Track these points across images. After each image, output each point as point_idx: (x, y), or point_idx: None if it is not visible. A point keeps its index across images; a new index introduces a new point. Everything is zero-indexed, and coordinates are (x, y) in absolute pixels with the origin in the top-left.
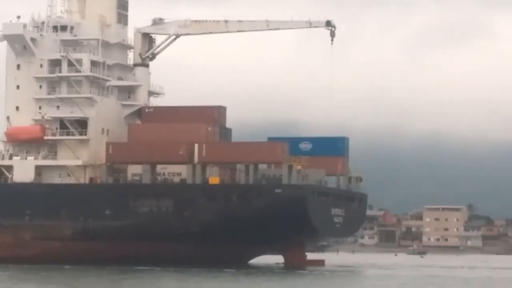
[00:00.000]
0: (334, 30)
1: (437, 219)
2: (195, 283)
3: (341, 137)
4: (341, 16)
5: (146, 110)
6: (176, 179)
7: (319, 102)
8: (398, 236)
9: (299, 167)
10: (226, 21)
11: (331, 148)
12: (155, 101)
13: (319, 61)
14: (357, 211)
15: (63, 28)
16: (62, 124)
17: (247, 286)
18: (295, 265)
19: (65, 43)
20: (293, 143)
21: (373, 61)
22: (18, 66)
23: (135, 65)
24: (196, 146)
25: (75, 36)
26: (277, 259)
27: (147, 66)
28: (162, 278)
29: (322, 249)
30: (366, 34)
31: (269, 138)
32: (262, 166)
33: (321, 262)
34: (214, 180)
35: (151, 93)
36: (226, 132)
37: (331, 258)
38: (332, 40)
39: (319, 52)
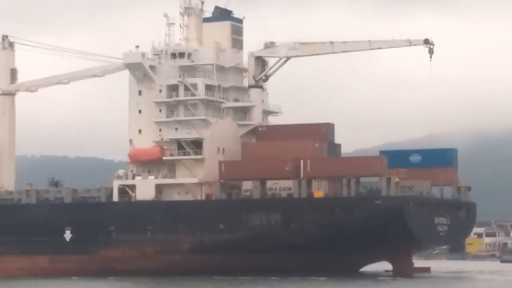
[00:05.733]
0: (433, 47)
1: None
2: None
3: (449, 148)
4: None
5: (260, 129)
6: (285, 194)
7: None
8: None
9: (397, 179)
10: (331, 42)
11: (440, 159)
12: (273, 120)
13: None
14: (464, 219)
15: (181, 55)
16: (180, 145)
17: None
18: (403, 272)
19: (182, 69)
20: (404, 155)
21: None
22: (140, 92)
23: (250, 86)
24: (301, 162)
25: (193, 62)
26: (388, 266)
27: (261, 87)
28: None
29: None
30: None
31: (380, 151)
32: (365, 179)
33: (426, 269)
34: (318, 193)
35: (268, 112)
36: (335, 148)
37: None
38: (430, 57)
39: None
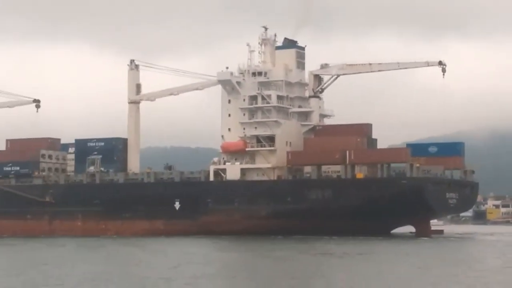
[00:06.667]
0: (445, 67)
1: None
2: (351, 245)
3: (458, 142)
4: None
5: (317, 128)
6: (335, 175)
7: None
8: None
9: (417, 164)
10: (370, 64)
11: (451, 150)
12: (328, 121)
13: None
14: (469, 195)
15: (259, 73)
16: (258, 140)
17: (388, 246)
18: (422, 233)
19: (260, 84)
20: (425, 147)
21: None
22: (229, 101)
23: (310, 97)
24: (347, 152)
25: (267, 78)
26: (411, 229)
27: (318, 97)
28: (330, 244)
29: None
30: None
31: (407, 144)
32: (394, 165)
33: (441, 232)
34: (359, 175)
35: (323, 115)
36: (372, 142)
37: None
38: (443, 75)
39: None
